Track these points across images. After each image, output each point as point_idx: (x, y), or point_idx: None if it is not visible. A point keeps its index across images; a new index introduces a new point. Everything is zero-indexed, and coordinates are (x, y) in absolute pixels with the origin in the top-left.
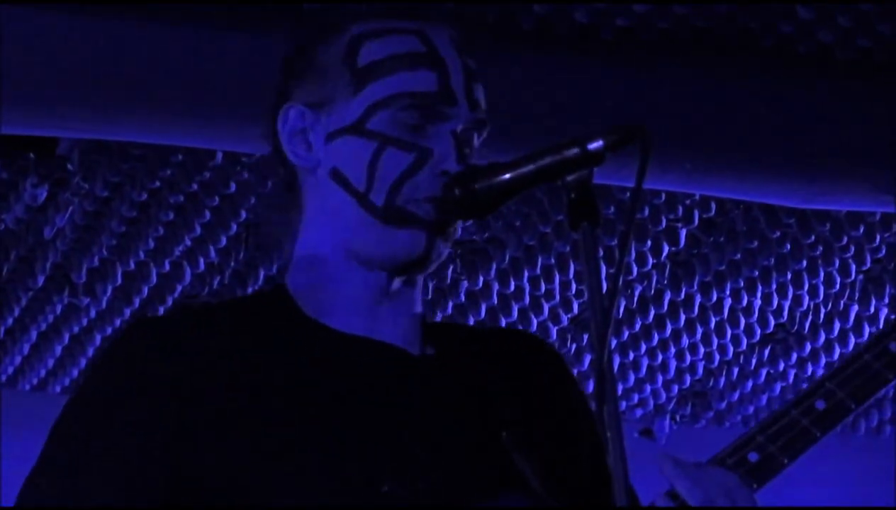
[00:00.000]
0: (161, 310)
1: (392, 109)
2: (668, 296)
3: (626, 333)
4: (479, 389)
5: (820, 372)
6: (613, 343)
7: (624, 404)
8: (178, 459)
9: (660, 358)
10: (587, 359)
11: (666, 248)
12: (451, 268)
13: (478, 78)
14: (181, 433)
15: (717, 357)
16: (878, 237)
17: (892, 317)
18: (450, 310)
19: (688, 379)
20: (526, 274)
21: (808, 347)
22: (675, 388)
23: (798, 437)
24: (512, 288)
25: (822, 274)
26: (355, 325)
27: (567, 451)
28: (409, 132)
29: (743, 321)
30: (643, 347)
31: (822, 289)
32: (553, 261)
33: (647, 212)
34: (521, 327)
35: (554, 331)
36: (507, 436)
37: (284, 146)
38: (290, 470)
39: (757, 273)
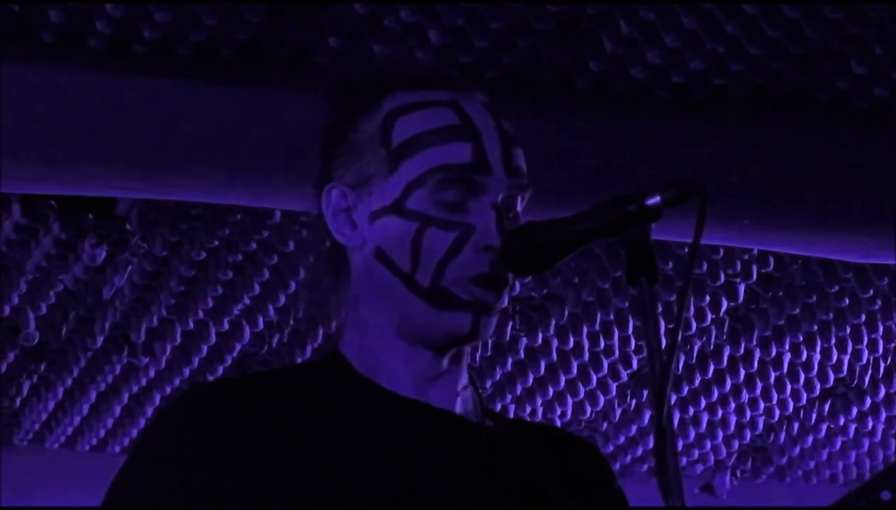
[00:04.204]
0: (220, 370)
1: (428, 186)
2: (727, 352)
3: (686, 389)
4: (536, 466)
5: (881, 426)
6: (673, 398)
7: (684, 460)
8: None
9: (720, 413)
10: (647, 414)
11: (724, 303)
12: (509, 324)
13: (516, 142)
14: (235, 500)
15: (778, 412)
16: None
17: None
18: (509, 367)
19: (748, 434)
20: (585, 330)
21: (869, 402)
22: (736, 443)
23: None
24: (571, 344)
25: (881, 328)
26: (411, 393)
27: None
28: (449, 210)
29: (803, 376)
30: (703, 403)
31: (881, 343)
32: (612, 316)
33: (705, 267)
34: (580, 384)
35: (613, 386)
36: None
37: (330, 225)
38: None
39: (816, 327)
